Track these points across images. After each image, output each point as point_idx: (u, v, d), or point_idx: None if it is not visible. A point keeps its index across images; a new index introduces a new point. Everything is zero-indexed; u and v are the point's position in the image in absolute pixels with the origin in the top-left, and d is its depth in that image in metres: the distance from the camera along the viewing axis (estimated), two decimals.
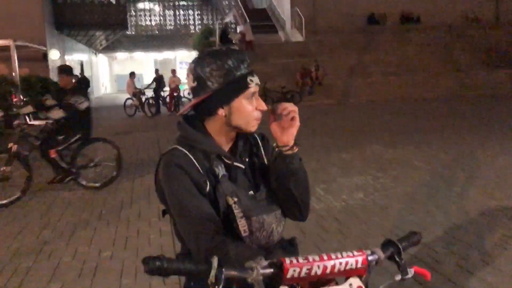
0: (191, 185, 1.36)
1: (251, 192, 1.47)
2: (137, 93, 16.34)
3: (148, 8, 36.23)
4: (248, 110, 1.41)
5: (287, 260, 0.93)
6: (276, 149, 1.44)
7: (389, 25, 23.63)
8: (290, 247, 1.57)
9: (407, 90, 18.62)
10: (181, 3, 36.33)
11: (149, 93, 16.81)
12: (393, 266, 1.15)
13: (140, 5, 35.96)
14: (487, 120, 11.19)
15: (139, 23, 35.86)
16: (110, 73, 39.05)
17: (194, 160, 1.39)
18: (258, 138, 1.60)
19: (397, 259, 1.08)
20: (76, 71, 24.41)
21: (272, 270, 0.93)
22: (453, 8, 24.36)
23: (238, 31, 20.79)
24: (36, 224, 4.88)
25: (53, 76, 19.84)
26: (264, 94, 16.92)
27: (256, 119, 1.43)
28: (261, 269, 0.92)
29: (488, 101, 15.68)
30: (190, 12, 36.63)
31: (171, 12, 36.46)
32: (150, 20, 36.26)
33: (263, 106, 1.43)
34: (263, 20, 24.54)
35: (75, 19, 21.19)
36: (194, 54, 25.14)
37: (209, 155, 1.42)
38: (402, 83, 19.03)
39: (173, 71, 17.38)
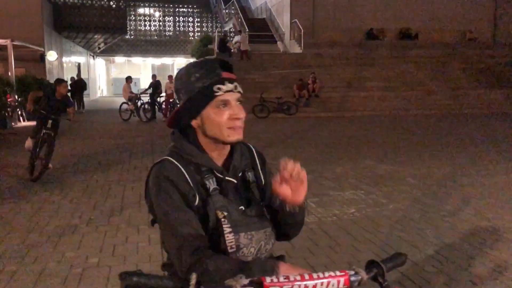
0: (179, 199, 1.34)
1: (242, 208, 1.44)
2: (133, 98, 16.34)
3: (148, 14, 36.33)
4: (217, 120, 1.38)
5: (267, 279, 0.91)
6: (287, 209, 1.39)
7: (387, 41, 23.84)
8: None
9: (403, 105, 18.71)
10: (181, 9, 36.45)
11: (145, 98, 16.80)
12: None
13: (140, 10, 36.05)
14: (481, 139, 11.24)
15: (139, 27, 35.93)
16: (107, 76, 39.04)
17: (185, 173, 1.38)
18: (255, 154, 1.58)
19: (380, 280, 1.06)
20: (73, 73, 24.42)
21: None
22: (451, 27, 24.65)
23: (234, 41, 20.90)
24: (24, 227, 4.81)
25: (50, 77, 19.80)
26: (261, 104, 16.96)
27: (231, 127, 1.39)
28: (240, 287, 0.89)
29: (482, 120, 15.77)
30: (190, 19, 36.75)
31: (171, 18, 36.56)
32: (150, 26, 36.34)
33: (238, 115, 1.39)
34: (262, 30, 24.69)
35: (74, 21, 21.24)
36: (192, 61, 25.15)
37: (200, 168, 1.41)
38: (399, 99, 19.12)
39: (170, 77, 17.38)
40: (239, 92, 1.40)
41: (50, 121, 7.16)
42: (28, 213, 5.33)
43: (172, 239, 1.33)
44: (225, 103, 1.38)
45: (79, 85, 21.37)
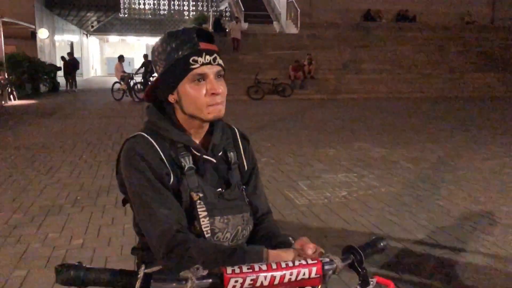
0: (153, 177, 1.23)
1: (220, 190, 1.34)
2: (125, 77, 16.10)
3: None
4: (193, 95, 1.26)
5: (228, 270, 0.80)
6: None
7: (385, 23, 23.55)
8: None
9: (399, 88, 18.58)
10: None
11: (138, 78, 16.58)
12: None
13: None
14: (477, 122, 11.16)
15: (133, 6, 35.27)
16: (101, 55, 38.58)
17: (159, 149, 1.27)
18: (238, 136, 1.47)
19: (358, 268, 0.95)
20: (65, 52, 24.05)
21: (210, 280, 0.80)
22: (449, 10, 24.38)
23: (231, 28, 20.11)
24: (8, 207, 4.70)
25: (42, 55, 19.49)
26: (256, 85, 16.79)
27: (210, 104, 1.27)
28: (196, 280, 0.79)
29: (479, 104, 15.68)
30: None
31: None
32: (144, 4, 35.69)
33: (216, 89, 1.26)
34: (258, 10, 24.31)
35: None
36: None
37: (176, 145, 1.29)
38: (395, 81, 18.98)
39: None
40: (219, 65, 1.28)
41: None
42: (14, 192, 5.22)
43: (149, 223, 1.22)
44: (203, 77, 1.25)
45: (72, 64, 21.01)
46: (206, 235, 1.26)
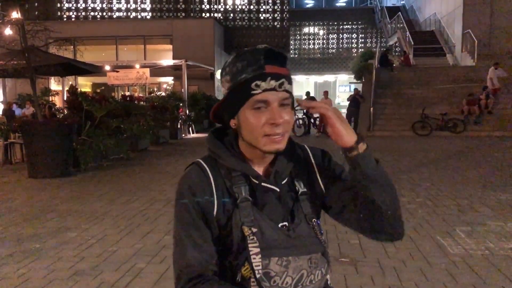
0: (196, 214, 1.18)
1: (285, 224, 1.19)
2: None
3: (312, 32, 37.02)
4: (251, 123, 1.13)
5: None
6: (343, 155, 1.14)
7: None
8: None
9: None
10: (345, 26, 36.34)
11: (300, 113, 17.10)
12: None
13: (305, 29, 36.97)
14: None
15: (302, 46, 36.84)
16: None
17: (212, 178, 1.19)
18: (311, 156, 1.30)
19: None
20: None
21: None
22: None
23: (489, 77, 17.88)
24: (163, 229, 5.13)
25: (219, 94, 21.58)
26: (422, 120, 15.80)
27: (267, 134, 1.13)
28: None
29: None
30: (354, 35, 36.40)
31: (335, 36, 36.68)
32: (313, 44, 36.98)
33: (274, 119, 1.11)
34: (429, 43, 23.19)
35: (241, 42, 22.87)
36: (352, 77, 24.87)
37: (232, 173, 1.20)
38: None
39: (325, 93, 17.39)
40: (285, 91, 1.14)
41: None
42: (170, 216, 5.69)
43: (176, 257, 1.20)
44: (265, 104, 1.13)
45: None
46: (257, 275, 1.11)
